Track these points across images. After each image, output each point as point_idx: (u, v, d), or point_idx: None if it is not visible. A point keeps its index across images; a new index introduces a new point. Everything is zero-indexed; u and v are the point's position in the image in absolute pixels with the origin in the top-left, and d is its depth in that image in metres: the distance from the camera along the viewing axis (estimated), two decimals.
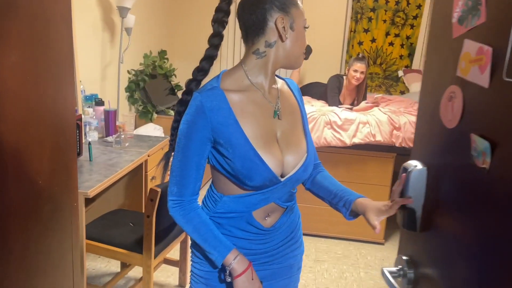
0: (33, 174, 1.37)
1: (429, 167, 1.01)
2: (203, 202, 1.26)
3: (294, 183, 1.21)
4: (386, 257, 3.15)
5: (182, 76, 4.12)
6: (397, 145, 3.04)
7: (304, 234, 1.46)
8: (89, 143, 2.43)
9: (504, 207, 0.74)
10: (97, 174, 2.17)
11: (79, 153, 2.32)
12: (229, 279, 1.15)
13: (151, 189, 2.03)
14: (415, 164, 1.03)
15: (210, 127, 1.11)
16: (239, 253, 1.15)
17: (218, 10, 1.15)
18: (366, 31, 4.71)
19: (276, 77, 1.27)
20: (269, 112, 1.18)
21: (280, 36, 1.12)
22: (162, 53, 4.30)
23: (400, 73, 4.69)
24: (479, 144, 0.82)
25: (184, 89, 1.20)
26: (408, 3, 4.57)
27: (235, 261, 1.13)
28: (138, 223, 2.33)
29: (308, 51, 4.02)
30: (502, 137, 0.76)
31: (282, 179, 1.16)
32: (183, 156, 1.14)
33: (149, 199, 2.03)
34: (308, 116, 3.10)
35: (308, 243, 3.23)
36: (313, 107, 3.29)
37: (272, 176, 1.13)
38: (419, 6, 4.56)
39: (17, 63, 1.25)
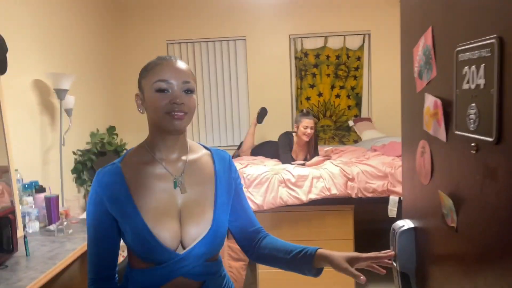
0: None
1: (416, 227, 0.96)
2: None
3: (200, 256, 1.11)
4: None
5: None
6: (353, 196, 3.00)
7: None
8: (25, 237, 2.24)
9: (475, 272, 0.67)
10: (33, 270, 1.97)
11: (13, 250, 2.13)
12: None
13: None
14: (402, 225, 0.98)
15: (104, 202, 1.13)
16: None
17: None
18: (312, 86, 4.83)
19: (200, 146, 1.24)
20: (170, 184, 1.15)
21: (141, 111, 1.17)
22: (111, 129, 4.21)
23: (351, 123, 4.78)
24: (446, 202, 0.77)
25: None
26: (348, 57, 4.76)
27: None
28: None
29: (262, 113, 4.10)
30: (466, 194, 0.71)
31: (182, 252, 1.09)
32: (93, 231, 1.16)
33: None
34: (261, 176, 3.04)
35: None
36: (266, 166, 3.24)
37: (163, 250, 1.08)
38: (359, 58, 4.76)
39: None
